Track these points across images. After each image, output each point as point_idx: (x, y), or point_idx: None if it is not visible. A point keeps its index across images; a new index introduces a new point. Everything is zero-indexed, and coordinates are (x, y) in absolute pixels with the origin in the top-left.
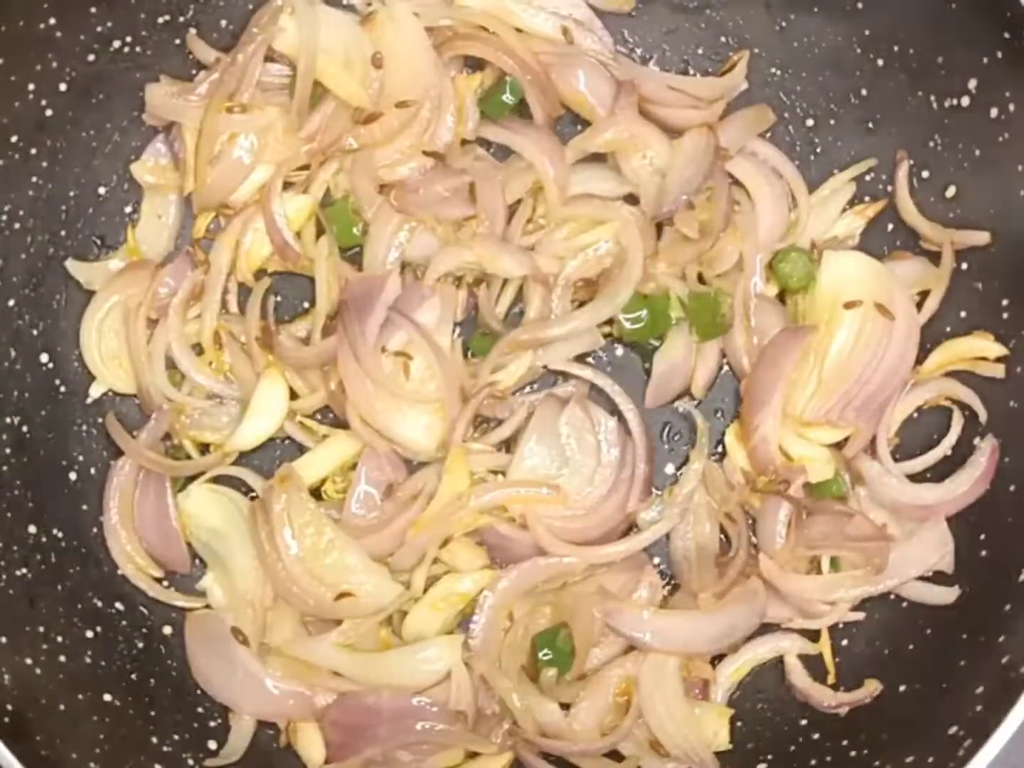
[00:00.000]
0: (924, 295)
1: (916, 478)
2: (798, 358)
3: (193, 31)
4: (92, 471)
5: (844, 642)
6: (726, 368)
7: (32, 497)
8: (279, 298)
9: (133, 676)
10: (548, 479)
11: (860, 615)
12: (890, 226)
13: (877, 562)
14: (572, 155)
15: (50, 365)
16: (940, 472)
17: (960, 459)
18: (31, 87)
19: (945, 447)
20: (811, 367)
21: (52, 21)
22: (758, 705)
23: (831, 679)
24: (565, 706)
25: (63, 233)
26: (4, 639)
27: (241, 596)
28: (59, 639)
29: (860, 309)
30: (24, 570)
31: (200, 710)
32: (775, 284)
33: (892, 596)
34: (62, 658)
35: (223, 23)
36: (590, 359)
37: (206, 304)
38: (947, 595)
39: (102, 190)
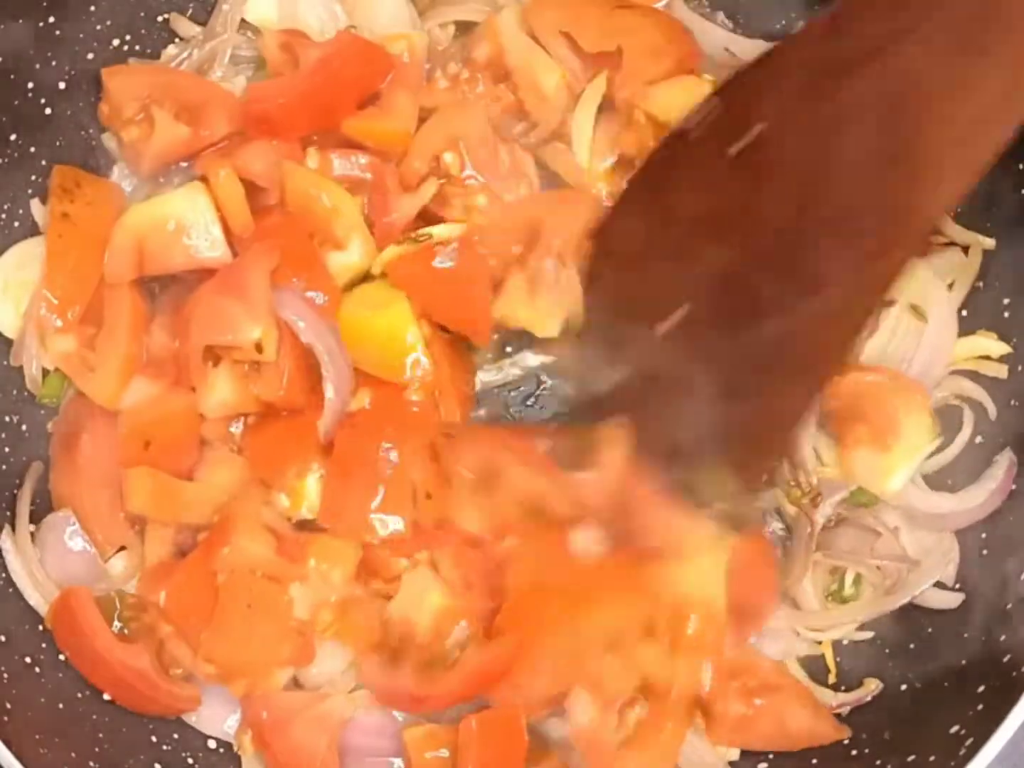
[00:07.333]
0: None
1: (931, 481)
2: None
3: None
4: None
5: (845, 641)
6: None
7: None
8: None
9: None
10: None
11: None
12: None
13: (888, 584)
14: None
15: None
16: (956, 478)
17: (973, 461)
18: (30, 85)
19: (959, 444)
20: None
21: (51, 19)
22: None
23: (832, 678)
24: None
25: None
26: (3, 638)
27: None
28: None
29: (893, 308)
30: None
31: None
32: None
33: None
34: (61, 657)
35: None
36: None
37: None
38: (951, 600)
39: None
